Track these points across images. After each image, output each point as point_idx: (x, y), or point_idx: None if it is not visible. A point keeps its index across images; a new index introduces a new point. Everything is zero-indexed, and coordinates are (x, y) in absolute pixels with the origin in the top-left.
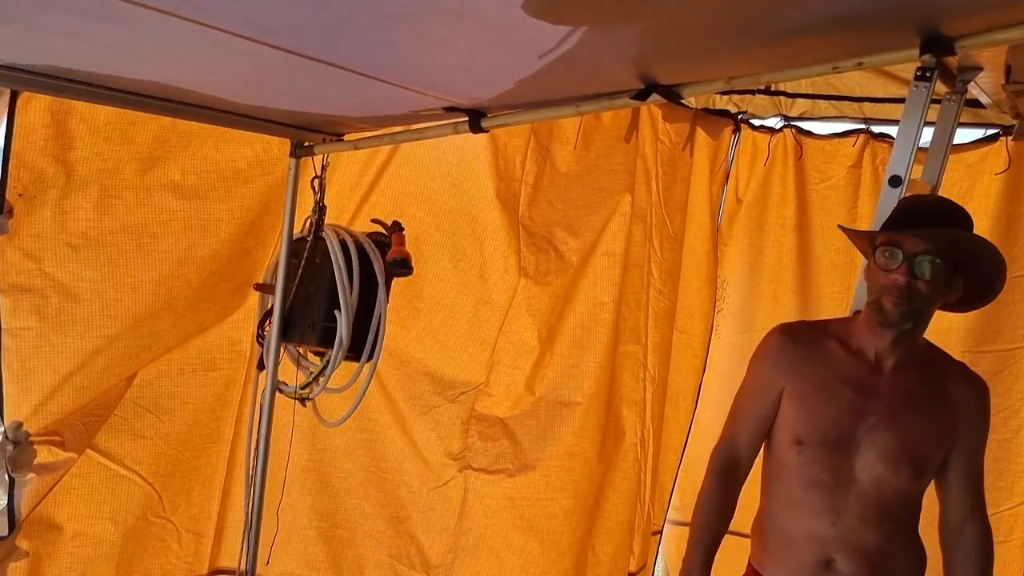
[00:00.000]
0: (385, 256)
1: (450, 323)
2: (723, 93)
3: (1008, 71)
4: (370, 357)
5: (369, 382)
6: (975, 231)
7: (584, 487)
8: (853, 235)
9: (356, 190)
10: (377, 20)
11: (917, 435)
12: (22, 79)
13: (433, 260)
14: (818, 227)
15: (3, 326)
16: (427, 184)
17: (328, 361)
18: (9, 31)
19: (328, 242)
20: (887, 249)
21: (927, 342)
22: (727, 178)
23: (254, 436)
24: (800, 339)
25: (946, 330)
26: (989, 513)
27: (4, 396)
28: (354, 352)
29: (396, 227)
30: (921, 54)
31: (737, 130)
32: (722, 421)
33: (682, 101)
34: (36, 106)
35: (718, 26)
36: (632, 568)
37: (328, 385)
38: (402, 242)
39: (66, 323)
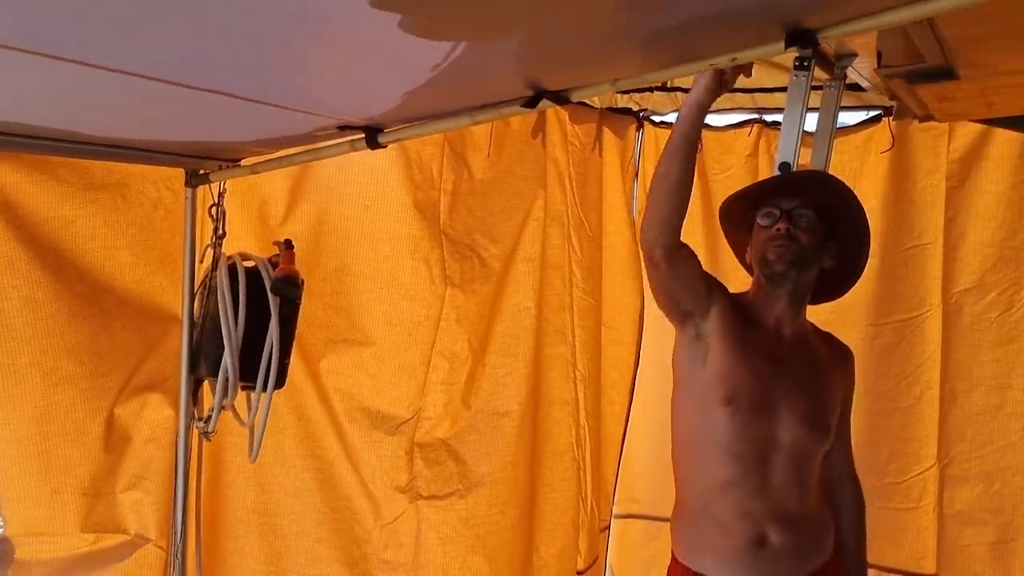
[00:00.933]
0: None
1: (381, 354)
2: (623, 92)
3: (879, 56)
4: (265, 386)
5: (267, 412)
6: (869, 206)
7: (527, 494)
8: (730, 214)
9: (269, 218)
10: (259, 47)
11: (821, 395)
12: None
13: (356, 291)
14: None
15: None
16: (339, 210)
17: (220, 393)
18: None
19: (218, 270)
20: (766, 211)
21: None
22: (637, 174)
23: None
24: (730, 293)
25: (850, 305)
26: (899, 481)
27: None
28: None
29: (286, 245)
30: (786, 47)
31: (640, 127)
32: (657, 413)
33: (585, 102)
34: None
35: (595, 31)
36: (580, 566)
37: (255, 417)
38: (291, 260)
39: None
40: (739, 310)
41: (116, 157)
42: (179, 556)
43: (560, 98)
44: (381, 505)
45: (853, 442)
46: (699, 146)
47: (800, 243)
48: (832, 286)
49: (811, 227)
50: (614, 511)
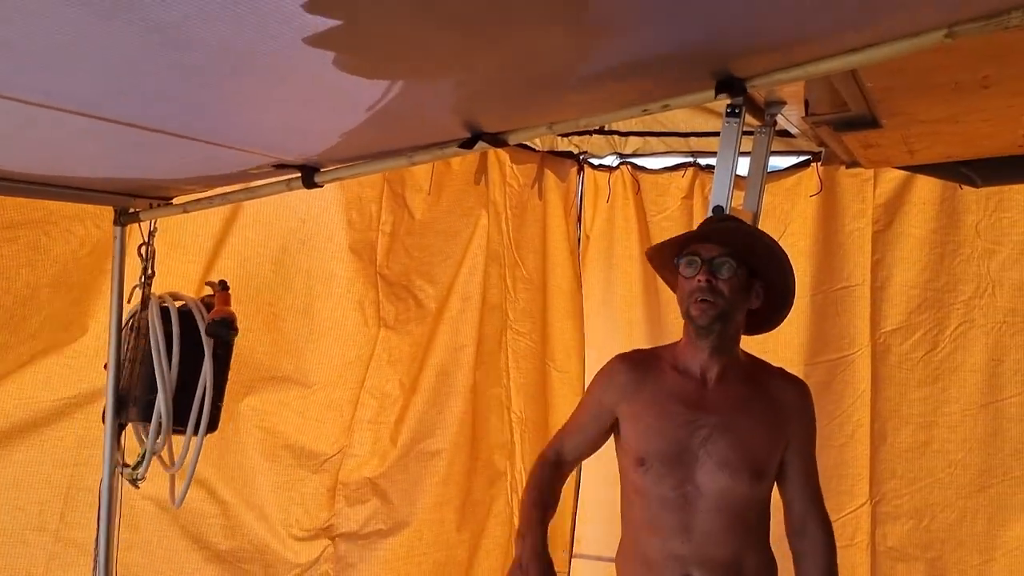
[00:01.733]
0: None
1: (308, 392)
2: (563, 135)
3: (807, 104)
4: (197, 429)
5: (197, 456)
6: (799, 247)
7: (455, 536)
8: (659, 263)
9: (200, 255)
10: (190, 83)
11: (749, 439)
12: None
13: (287, 327)
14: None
15: None
16: (276, 244)
17: (152, 438)
18: None
19: (150, 310)
20: (687, 259)
21: (748, 355)
22: (580, 217)
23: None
24: (634, 364)
25: (784, 344)
26: (833, 518)
27: None
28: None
29: (221, 286)
30: (716, 94)
31: (581, 170)
32: (608, 458)
33: (527, 144)
34: None
35: (531, 75)
36: None
37: (181, 461)
38: (226, 302)
39: None
40: (651, 371)
41: (42, 195)
42: None
43: (497, 140)
44: (299, 550)
45: None
46: (637, 188)
47: (723, 296)
48: (763, 319)
49: (732, 275)
50: (576, 551)
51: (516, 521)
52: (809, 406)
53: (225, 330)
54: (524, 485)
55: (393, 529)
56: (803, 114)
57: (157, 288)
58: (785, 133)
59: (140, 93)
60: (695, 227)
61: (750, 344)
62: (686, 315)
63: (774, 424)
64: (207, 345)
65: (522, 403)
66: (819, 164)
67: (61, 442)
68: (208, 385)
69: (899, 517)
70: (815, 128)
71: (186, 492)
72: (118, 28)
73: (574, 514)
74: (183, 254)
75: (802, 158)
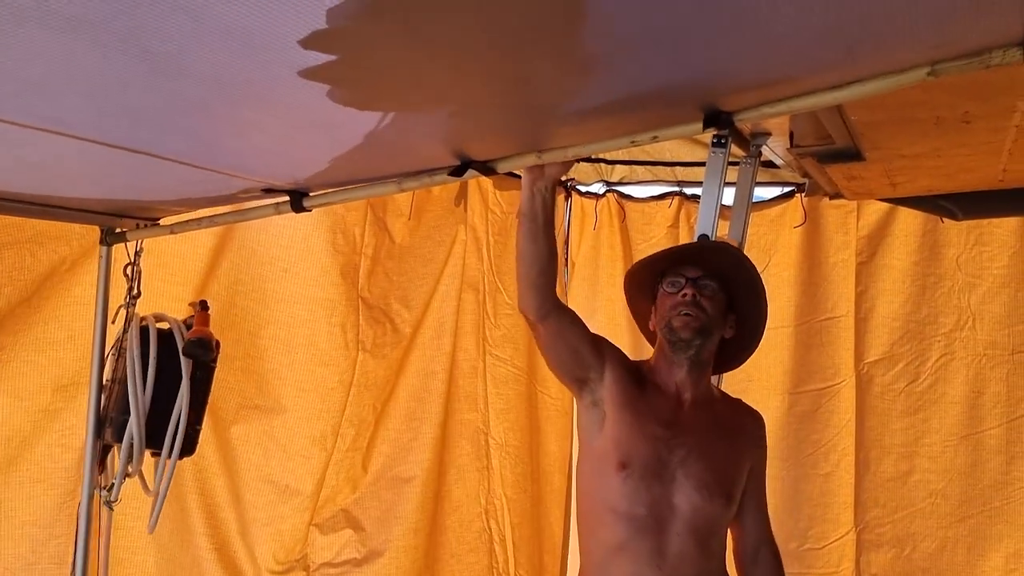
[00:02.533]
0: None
1: (292, 423)
2: None
3: (792, 136)
4: (172, 451)
5: (169, 481)
6: (783, 277)
7: (430, 564)
8: (637, 278)
9: (191, 278)
10: (180, 107)
11: (722, 463)
12: None
13: (269, 355)
14: None
15: None
16: (259, 272)
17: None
18: None
19: (130, 331)
20: (671, 280)
21: (711, 384)
22: (567, 244)
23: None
24: (632, 364)
25: (769, 373)
26: (818, 546)
27: None
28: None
29: (201, 306)
30: (704, 127)
31: (569, 196)
32: None
33: (513, 172)
34: None
35: (520, 107)
36: None
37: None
38: (205, 322)
39: None
40: (638, 376)
41: (27, 213)
42: None
43: (487, 168)
44: None
45: (774, 508)
46: (623, 215)
47: (706, 312)
48: (731, 355)
49: (714, 296)
50: None
51: (496, 549)
52: (764, 436)
53: (201, 350)
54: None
55: (368, 557)
56: (788, 145)
57: (147, 309)
58: (770, 164)
59: (130, 116)
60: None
61: (735, 373)
62: (666, 328)
63: (740, 450)
64: (184, 366)
65: (502, 429)
66: (803, 195)
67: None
68: (184, 406)
69: (882, 546)
70: (799, 159)
71: (157, 516)
72: (112, 55)
73: (565, 545)
74: (169, 275)
75: (786, 189)
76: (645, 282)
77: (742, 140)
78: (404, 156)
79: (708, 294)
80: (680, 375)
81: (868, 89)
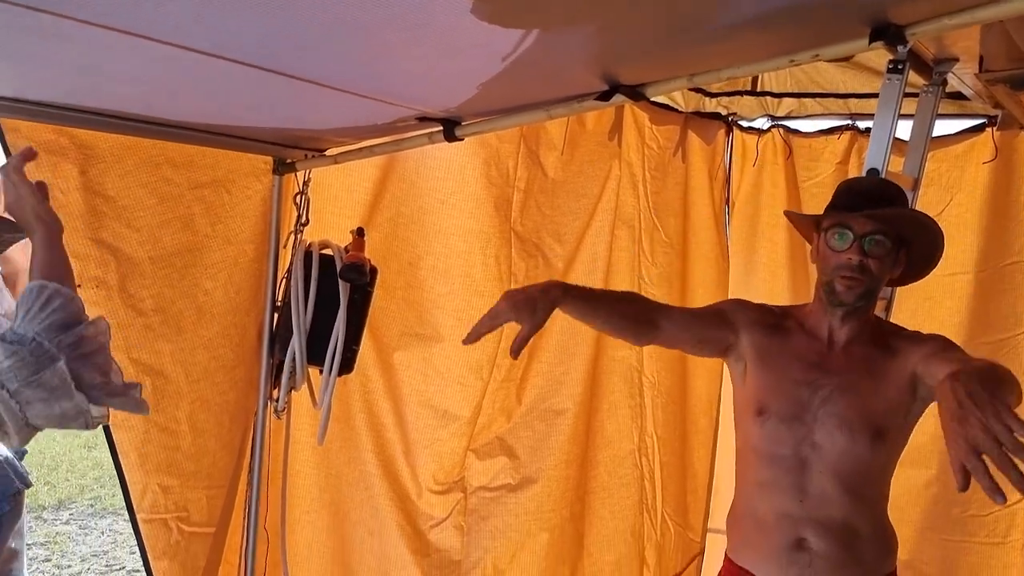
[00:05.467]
0: None
1: (450, 351)
2: (710, 95)
3: (981, 60)
4: (332, 368)
5: (330, 396)
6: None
7: (580, 495)
8: (799, 220)
9: (357, 210)
10: (341, 33)
11: (871, 400)
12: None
13: (428, 285)
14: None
15: (111, 421)
16: (417, 203)
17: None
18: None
19: (295, 256)
20: (836, 231)
21: (876, 317)
22: (728, 181)
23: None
24: (767, 310)
25: (941, 324)
26: (983, 513)
27: (129, 485)
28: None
29: (358, 233)
30: (870, 42)
31: (730, 132)
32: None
33: (670, 105)
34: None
35: (670, 23)
36: None
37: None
38: (360, 248)
39: (161, 400)
40: (781, 325)
41: (208, 142)
42: (254, 523)
43: (635, 93)
44: (434, 503)
45: (938, 470)
46: (788, 152)
47: (871, 274)
48: (897, 281)
49: (883, 254)
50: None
51: (646, 486)
52: (930, 338)
53: (356, 274)
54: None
55: (522, 484)
56: (977, 71)
57: (313, 237)
58: (959, 96)
59: (297, 44)
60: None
61: (905, 322)
62: (827, 287)
63: (898, 378)
64: (343, 289)
65: (655, 368)
66: (995, 129)
67: None
68: (340, 326)
69: None
70: (990, 86)
71: (324, 428)
72: None
73: (709, 487)
74: (340, 208)
75: (975, 122)
76: (807, 221)
77: (923, 66)
78: (551, 81)
79: (877, 253)
80: (833, 322)
81: None
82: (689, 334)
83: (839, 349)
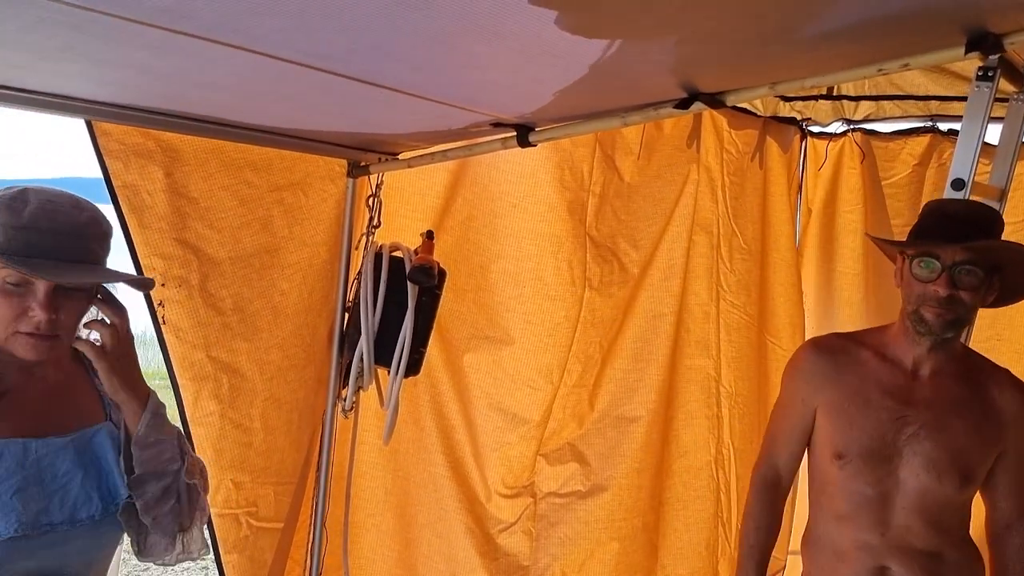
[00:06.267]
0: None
1: (520, 354)
2: (785, 99)
3: None
4: (399, 369)
5: (397, 397)
6: None
7: (654, 506)
8: (883, 245)
9: (429, 213)
10: (418, 41)
11: (961, 442)
12: (92, 110)
13: (498, 288)
14: (884, 229)
15: (189, 417)
16: (489, 207)
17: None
18: (78, 67)
19: (366, 257)
20: (923, 260)
21: (964, 347)
22: (801, 187)
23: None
24: (831, 351)
25: (1021, 334)
26: None
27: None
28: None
29: (427, 236)
30: (966, 52)
31: (804, 138)
32: None
33: (748, 109)
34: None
35: (755, 32)
36: None
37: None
38: (429, 251)
39: (237, 397)
40: (856, 359)
41: (285, 145)
42: (320, 521)
43: (715, 101)
44: (503, 507)
45: None
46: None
47: (963, 305)
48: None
49: (978, 284)
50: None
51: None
52: None
53: (424, 276)
54: (744, 508)
55: (592, 491)
56: None
57: (385, 239)
58: None
59: (374, 51)
60: (925, 195)
61: (982, 329)
62: (915, 315)
63: (989, 428)
64: (411, 291)
65: (732, 377)
66: None
67: None
68: (408, 328)
69: None
70: None
71: (390, 428)
72: None
73: (792, 502)
74: (412, 211)
75: None
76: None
77: (1014, 72)
78: (628, 89)
79: (969, 284)
80: (920, 352)
81: None
82: (803, 447)
83: (924, 380)
